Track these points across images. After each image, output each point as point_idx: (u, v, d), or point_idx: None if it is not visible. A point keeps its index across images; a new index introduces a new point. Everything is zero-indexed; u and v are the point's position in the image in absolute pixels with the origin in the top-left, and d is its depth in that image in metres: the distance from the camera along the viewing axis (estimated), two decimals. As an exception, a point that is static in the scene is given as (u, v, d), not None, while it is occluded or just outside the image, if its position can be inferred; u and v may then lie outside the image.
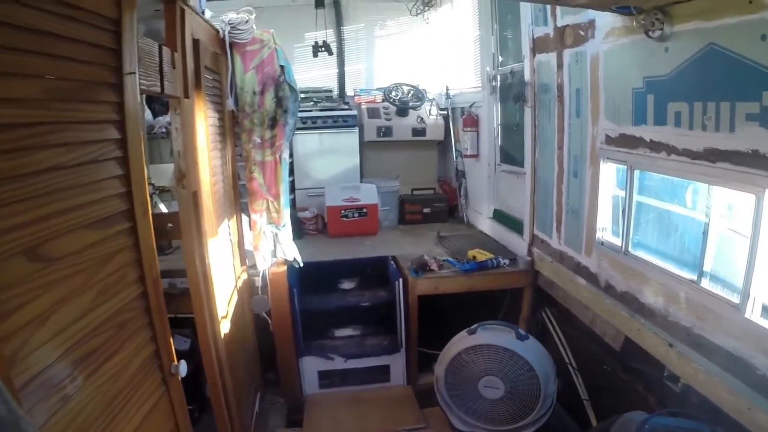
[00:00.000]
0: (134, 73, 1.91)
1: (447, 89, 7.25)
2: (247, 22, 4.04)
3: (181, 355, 2.34)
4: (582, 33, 3.91)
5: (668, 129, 3.11)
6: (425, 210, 7.01)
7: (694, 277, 3.05)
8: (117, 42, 1.80)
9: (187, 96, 2.89)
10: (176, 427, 2.27)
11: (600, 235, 3.91)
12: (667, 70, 3.08)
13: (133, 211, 1.91)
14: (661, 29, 3.00)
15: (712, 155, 2.78)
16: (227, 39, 3.96)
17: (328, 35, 7.57)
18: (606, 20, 3.58)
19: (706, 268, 3.01)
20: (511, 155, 5.76)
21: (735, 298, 2.76)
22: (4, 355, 1.20)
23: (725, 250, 2.94)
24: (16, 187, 1.31)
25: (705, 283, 3.00)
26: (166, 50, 2.56)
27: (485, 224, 6.32)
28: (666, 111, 3.12)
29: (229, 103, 4.06)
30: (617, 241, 3.73)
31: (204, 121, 3.27)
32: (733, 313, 2.73)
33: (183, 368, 2.24)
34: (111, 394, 1.71)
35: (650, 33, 3.07)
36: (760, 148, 2.48)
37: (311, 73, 7.89)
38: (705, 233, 3.00)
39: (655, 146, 3.23)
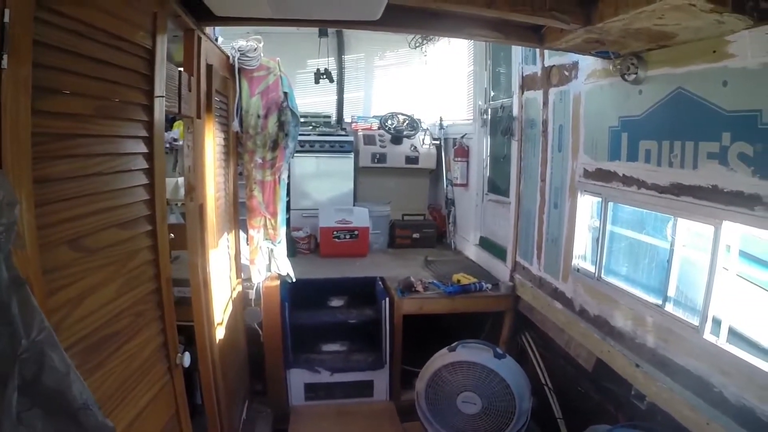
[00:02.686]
0: (163, 96, 2.19)
1: (441, 120, 7.50)
2: (255, 49, 4.26)
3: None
4: (566, 73, 4.18)
5: (639, 165, 3.36)
6: (414, 235, 7.17)
7: (659, 302, 3.27)
8: (150, 68, 2.08)
9: (199, 116, 3.14)
10: (177, 414, 2.49)
11: (576, 262, 4.12)
12: (640, 110, 3.34)
13: (154, 216, 2.18)
14: (636, 73, 3.27)
15: (677, 189, 3.02)
16: (236, 65, 4.18)
17: (330, 63, 7.82)
18: (588, 63, 3.85)
19: (670, 293, 3.22)
20: (497, 185, 5.97)
21: (695, 321, 2.95)
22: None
23: (687, 276, 3.15)
24: (66, 188, 1.57)
25: (669, 307, 3.21)
26: (184, 75, 2.83)
27: (471, 251, 6.51)
28: (638, 148, 3.37)
29: (235, 125, 4.26)
30: (591, 268, 3.94)
31: (212, 140, 3.51)
32: (693, 334, 2.93)
33: (186, 359, 2.47)
34: (126, 375, 1.94)
35: (626, 76, 3.34)
36: (719, 184, 2.72)
37: (312, 99, 8.08)
38: (669, 261, 3.22)
39: (627, 180, 3.48)
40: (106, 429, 1.24)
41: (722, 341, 2.76)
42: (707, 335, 2.85)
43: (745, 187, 2.57)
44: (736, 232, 2.72)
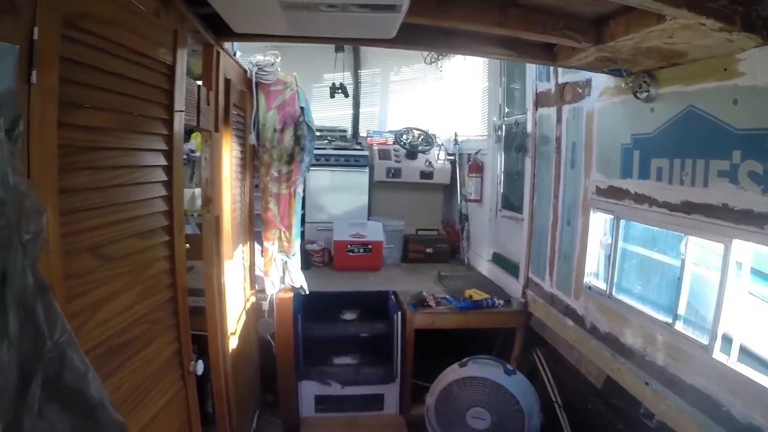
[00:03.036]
0: (182, 111, 2.26)
1: (455, 135, 7.54)
2: (272, 64, 4.33)
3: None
4: (580, 90, 4.21)
5: (651, 183, 3.38)
6: (428, 250, 7.20)
7: (670, 320, 3.27)
8: (170, 84, 2.15)
9: (217, 130, 3.21)
10: (188, 420, 2.54)
11: (588, 279, 4.14)
12: (651, 128, 3.37)
13: (172, 227, 2.24)
14: (648, 91, 3.30)
15: (688, 207, 3.03)
16: (254, 79, 4.25)
17: (346, 77, 7.90)
18: (601, 80, 3.88)
19: (680, 311, 3.23)
20: (511, 202, 6.02)
21: (705, 340, 2.95)
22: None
23: (697, 294, 3.16)
24: (89, 198, 1.64)
25: (679, 326, 3.21)
26: (203, 89, 2.90)
27: (484, 266, 6.54)
28: (649, 166, 3.39)
29: (252, 138, 4.32)
30: (603, 286, 3.95)
31: (229, 153, 3.58)
32: (702, 353, 2.92)
33: (200, 367, 2.53)
34: (140, 380, 1.99)
35: (638, 94, 3.37)
36: (729, 202, 2.73)
37: (327, 113, 8.15)
38: (680, 279, 3.23)
39: (638, 198, 3.50)
40: (119, 425, 1.30)
41: (733, 360, 2.75)
42: (716, 354, 2.84)
43: (755, 206, 2.58)
44: (748, 250, 2.73)
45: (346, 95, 7.64)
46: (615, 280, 3.85)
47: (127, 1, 1.80)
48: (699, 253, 3.14)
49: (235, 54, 3.97)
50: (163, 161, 2.15)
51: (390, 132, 7.98)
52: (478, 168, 6.71)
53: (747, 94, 2.64)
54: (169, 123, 2.17)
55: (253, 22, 2.69)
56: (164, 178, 2.17)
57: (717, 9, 2.24)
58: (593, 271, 4.15)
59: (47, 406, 1.13)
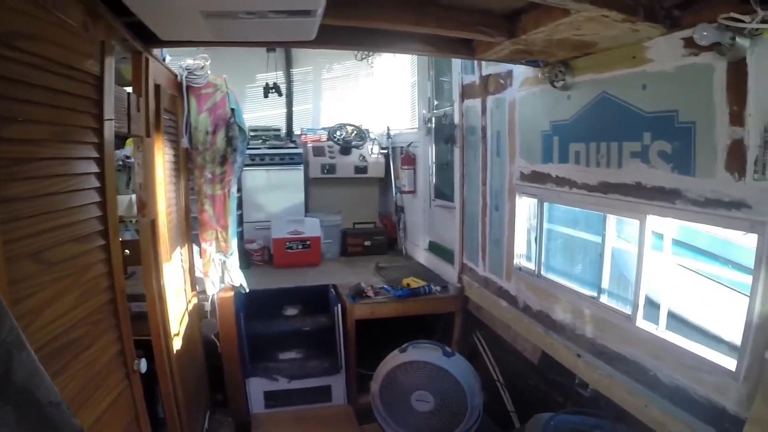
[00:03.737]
0: (112, 119, 2.33)
1: (388, 130, 7.68)
2: (202, 68, 4.37)
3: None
4: (502, 82, 4.38)
5: (570, 166, 3.56)
6: (366, 243, 7.34)
7: (595, 294, 3.47)
8: (99, 94, 2.22)
9: (148, 135, 3.25)
10: (136, 418, 2.61)
11: (518, 261, 4.32)
12: (568, 115, 3.54)
13: (107, 231, 2.31)
14: (564, 80, 3.47)
15: (605, 188, 3.22)
16: (184, 83, 4.29)
17: (279, 77, 7.94)
18: (521, 71, 4.05)
19: (604, 285, 3.43)
20: (443, 191, 6.18)
21: (627, 310, 3.14)
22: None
23: (628, 268, 3.32)
24: (27, 206, 1.71)
25: (603, 299, 3.42)
26: (133, 96, 2.96)
27: (422, 255, 6.69)
28: (568, 150, 3.57)
29: (184, 142, 4.36)
30: (532, 266, 4.14)
31: (162, 158, 3.61)
32: (626, 323, 3.11)
33: (143, 365, 2.60)
34: (85, 380, 2.06)
35: (555, 83, 3.54)
36: (642, 181, 2.92)
37: (261, 113, 8.22)
38: (601, 255, 3.43)
39: (560, 181, 3.68)
40: (75, 428, 1.33)
41: (662, 328, 2.90)
42: (639, 323, 3.01)
43: (665, 183, 2.75)
44: (670, 225, 2.88)
45: (280, 94, 7.69)
46: (543, 260, 4.03)
47: (55, 17, 1.87)
48: (629, 230, 3.31)
49: (164, 59, 4.00)
50: (95, 168, 2.22)
51: (323, 129, 8.05)
52: (410, 160, 6.87)
53: (655, 80, 2.81)
54: (100, 131, 2.23)
55: (178, 30, 2.76)
56: (97, 184, 2.24)
57: (619, 1, 2.40)
58: (522, 252, 4.32)
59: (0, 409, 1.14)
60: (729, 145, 2.37)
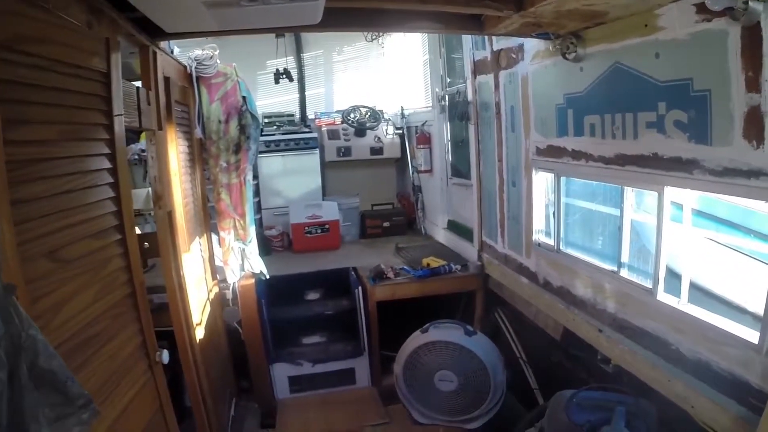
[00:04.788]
0: (121, 114, 2.34)
1: (402, 109, 7.63)
2: (211, 57, 4.38)
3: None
4: (513, 56, 4.32)
5: (585, 139, 3.51)
6: (385, 224, 7.33)
7: (615, 268, 3.42)
8: (107, 90, 2.24)
9: (160, 128, 3.28)
10: (161, 408, 2.66)
11: (536, 237, 4.29)
12: (582, 87, 3.48)
13: (123, 226, 2.34)
14: (575, 51, 3.40)
15: (622, 160, 3.17)
16: (194, 74, 4.30)
17: (289, 62, 7.86)
18: (532, 44, 3.99)
19: (624, 259, 3.38)
20: (459, 169, 6.14)
21: (648, 283, 3.10)
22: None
23: (646, 241, 3.28)
24: (40, 206, 1.74)
25: (624, 273, 3.37)
26: (142, 90, 2.98)
27: (441, 234, 6.68)
28: (583, 123, 3.51)
29: (197, 132, 4.39)
30: (551, 242, 4.11)
31: (175, 149, 3.64)
32: (647, 296, 3.07)
33: (165, 356, 2.64)
34: (108, 373, 2.11)
35: (567, 55, 3.47)
36: (659, 151, 2.86)
37: (274, 99, 8.17)
38: (620, 228, 3.38)
39: (576, 155, 3.63)
40: (85, 396, 1.49)
41: (684, 301, 2.86)
42: (660, 296, 2.97)
43: (683, 153, 2.70)
44: (689, 196, 2.83)
45: (291, 79, 7.62)
46: (562, 236, 4.00)
47: (59, 18, 1.88)
48: (649, 201, 3.24)
49: (172, 51, 4.01)
50: (107, 164, 2.25)
51: (337, 112, 8.00)
52: (425, 139, 6.82)
53: (668, 48, 2.74)
54: (110, 127, 2.26)
55: (182, 23, 2.76)
56: (110, 180, 2.27)
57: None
58: (541, 228, 4.29)
59: (34, 391, 1.32)
60: (746, 113, 2.32)
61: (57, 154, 1.86)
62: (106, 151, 2.24)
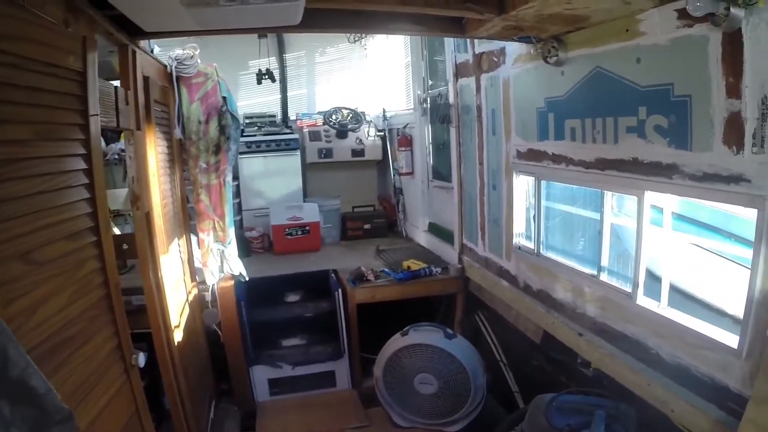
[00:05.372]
0: (97, 114, 2.31)
1: (384, 111, 7.61)
2: (192, 57, 4.35)
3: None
4: (495, 59, 4.34)
5: (566, 143, 3.52)
6: (366, 226, 7.35)
7: (594, 272, 3.44)
8: (83, 90, 2.21)
9: (139, 128, 3.25)
10: (137, 411, 2.62)
11: (517, 240, 4.30)
12: (563, 91, 3.50)
13: (98, 227, 2.31)
14: (557, 55, 3.42)
15: (602, 164, 3.18)
16: (174, 73, 4.26)
17: (272, 62, 7.84)
18: (514, 48, 4.01)
19: (603, 263, 3.39)
20: (441, 172, 6.15)
21: (628, 287, 3.11)
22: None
23: (625, 245, 3.30)
24: (15, 207, 1.70)
25: (603, 277, 3.38)
26: (120, 90, 2.94)
27: (422, 237, 6.68)
28: (564, 127, 3.53)
29: (177, 132, 4.35)
30: (531, 245, 4.11)
31: (154, 150, 3.61)
32: (627, 300, 3.08)
33: (141, 359, 2.61)
34: (84, 376, 2.07)
35: (548, 59, 3.49)
36: (639, 156, 2.88)
37: (256, 99, 8.16)
38: (600, 232, 3.39)
39: (556, 158, 3.64)
40: (64, 411, 1.43)
41: (663, 305, 2.88)
42: (640, 300, 2.99)
43: (662, 158, 2.72)
44: (670, 199, 2.85)
45: (273, 80, 7.60)
46: (542, 239, 4.00)
47: (35, 16, 1.85)
48: (630, 205, 3.24)
49: (152, 50, 3.98)
50: (83, 165, 2.21)
51: (319, 113, 8.00)
52: (407, 142, 6.83)
53: (649, 53, 2.76)
54: (86, 127, 2.22)
55: (161, 22, 2.74)
56: (86, 180, 2.23)
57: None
58: (521, 231, 4.30)
59: None
60: (726, 118, 2.33)
61: (31, 154, 1.83)
62: (82, 151, 2.20)
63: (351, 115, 7.78)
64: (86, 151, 2.23)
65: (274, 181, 7.30)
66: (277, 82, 8.03)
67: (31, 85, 1.82)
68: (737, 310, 2.50)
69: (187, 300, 4.35)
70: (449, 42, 5.27)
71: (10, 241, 1.65)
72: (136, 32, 3.05)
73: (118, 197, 5.39)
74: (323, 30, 3.56)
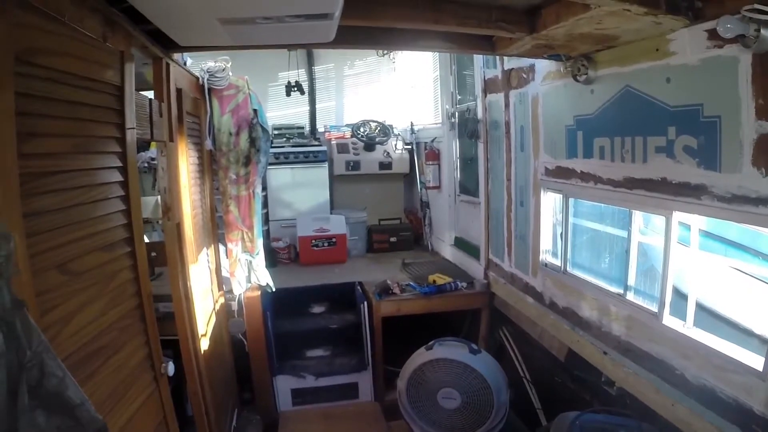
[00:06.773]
0: (134, 127, 2.37)
1: (411, 125, 7.63)
2: (223, 70, 4.40)
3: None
4: (524, 76, 4.35)
5: (594, 161, 3.51)
6: (392, 239, 7.36)
7: (621, 291, 3.43)
8: (120, 103, 2.26)
9: (171, 139, 3.30)
10: (164, 420, 2.66)
11: (543, 257, 4.29)
12: (592, 109, 3.50)
13: (132, 238, 2.36)
14: (586, 74, 3.43)
15: (630, 183, 3.18)
16: (206, 86, 4.32)
17: (301, 75, 7.93)
18: (543, 65, 4.02)
19: (630, 282, 3.38)
20: (468, 187, 6.16)
21: (654, 307, 3.10)
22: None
23: (652, 264, 3.30)
24: (52, 219, 1.75)
25: (630, 296, 3.37)
26: (155, 102, 3.00)
27: (447, 251, 6.68)
28: (593, 145, 3.53)
29: (208, 144, 4.40)
30: (557, 262, 4.11)
31: (186, 161, 3.66)
32: (653, 320, 3.07)
33: (171, 368, 2.64)
34: (114, 384, 2.11)
35: (578, 77, 3.50)
36: (667, 176, 2.87)
37: (284, 111, 8.22)
38: (627, 251, 3.39)
39: (584, 177, 3.64)
40: (98, 422, 1.44)
41: (689, 325, 2.87)
42: (666, 320, 2.98)
43: (691, 178, 2.71)
44: (697, 221, 2.85)
45: (302, 92, 7.68)
46: (568, 256, 3.99)
47: (74, 31, 1.90)
48: (658, 222, 3.23)
49: (185, 63, 4.04)
50: (119, 177, 2.27)
51: (347, 126, 8.04)
52: (434, 156, 6.84)
53: (679, 73, 2.76)
54: (122, 140, 2.28)
55: (196, 37, 2.77)
56: (121, 192, 2.28)
57: (640, -6, 2.36)
58: (548, 248, 4.29)
59: (34, 411, 1.27)
60: (756, 140, 2.33)
61: (69, 167, 1.88)
62: (118, 164, 2.26)
63: (379, 128, 7.81)
64: (122, 163, 2.28)
65: (302, 192, 7.34)
66: (306, 94, 8.09)
67: (70, 99, 1.87)
68: (764, 329, 2.48)
69: (214, 309, 4.37)
70: (478, 57, 5.28)
71: (47, 252, 1.70)
72: (170, 46, 3.09)
73: (147, 205, 5.44)
74: (355, 46, 3.60)
